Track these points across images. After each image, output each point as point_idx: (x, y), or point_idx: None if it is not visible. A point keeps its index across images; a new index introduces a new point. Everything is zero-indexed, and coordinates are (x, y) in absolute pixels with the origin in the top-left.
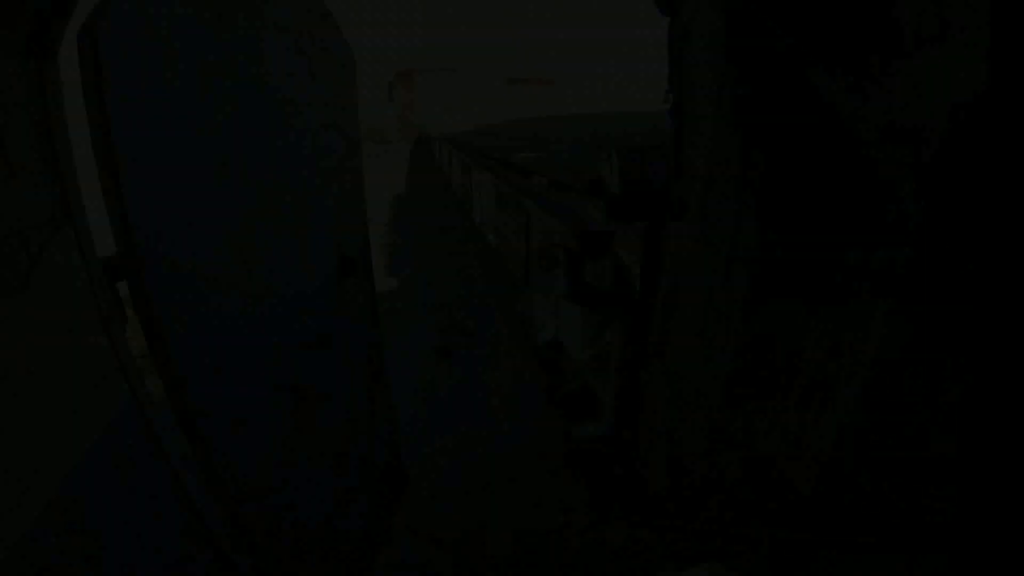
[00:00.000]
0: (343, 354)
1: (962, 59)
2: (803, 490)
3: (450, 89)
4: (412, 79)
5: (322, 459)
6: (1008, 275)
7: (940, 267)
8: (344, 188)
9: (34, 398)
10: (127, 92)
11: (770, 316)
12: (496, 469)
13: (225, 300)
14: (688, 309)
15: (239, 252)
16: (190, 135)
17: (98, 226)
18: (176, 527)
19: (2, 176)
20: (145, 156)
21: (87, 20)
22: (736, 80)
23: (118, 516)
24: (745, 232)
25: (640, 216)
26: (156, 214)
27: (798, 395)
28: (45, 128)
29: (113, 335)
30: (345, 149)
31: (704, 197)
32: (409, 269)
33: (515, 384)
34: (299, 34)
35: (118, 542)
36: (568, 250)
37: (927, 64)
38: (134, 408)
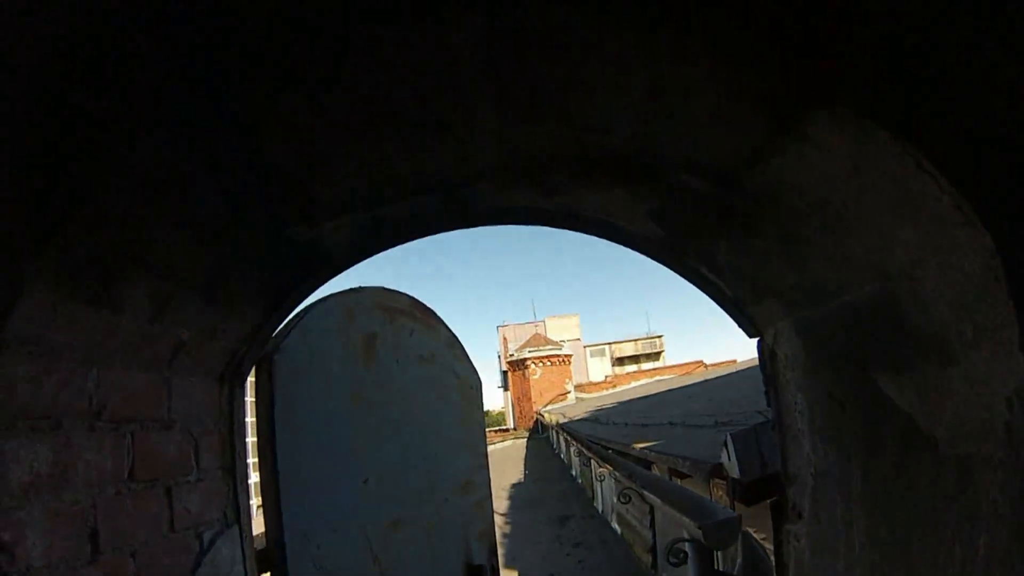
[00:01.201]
0: None
1: (1002, 355)
2: None
3: (563, 376)
4: (526, 367)
5: None
6: None
7: None
8: (473, 500)
9: None
10: (291, 412)
11: None
12: None
13: None
14: None
15: (374, 558)
16: (339, 451)
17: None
18: None
19: (194, 480)
20: (299, 466)
21: (266, 352)
22: (821, 397)
23: None
24: (857, 540)
25: (762, 495)
26: (304, 518)
27: None
28: (230, 442)
29: None
30: (474, 464)
31: (814, 505)
32: (529, 562)
33: None
34: (435, 363)
35: None
36: (695, 543)
37: (974, 366)
38: None
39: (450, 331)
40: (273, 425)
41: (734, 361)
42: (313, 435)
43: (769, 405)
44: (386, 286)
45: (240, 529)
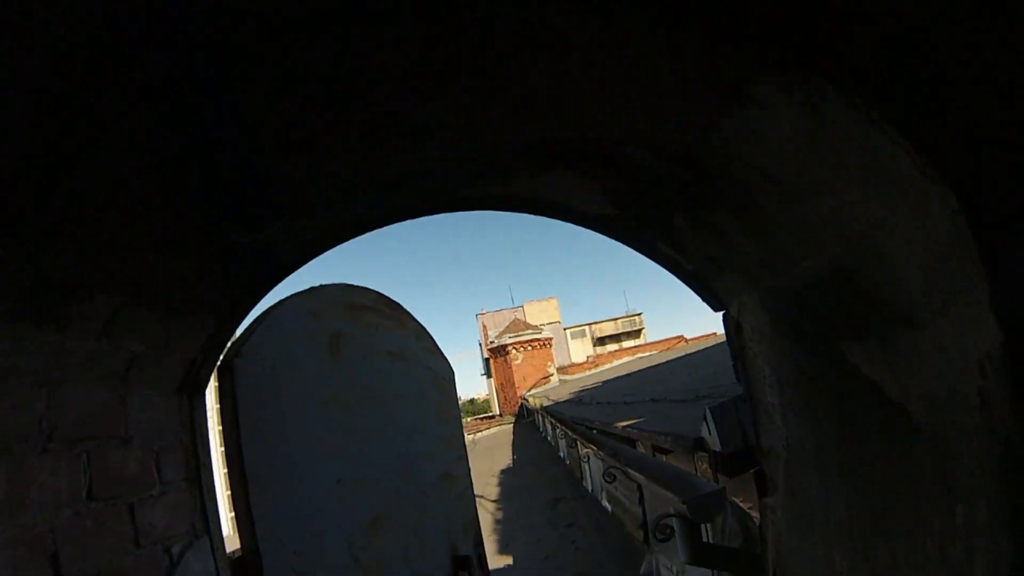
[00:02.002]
0: None
1: (973, 319)
2: None
3: (544, 359)
4: (507, 353)
5: None
6: None
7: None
8: (454, 491)
9: None
10: (257, 418)
11: None
12: None
13: None
14: None
15: (355, 559)
16: (311, 453)
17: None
18: None
19: (157, 493)
20: (270, 471)
21: (226, 357)
22: (789, 370)
23: None
24: (832, 511)
25: (745, 466)
26: (278, 524)
27: None
28: (193, 452)
29: None
30: (452, 456)
31: (789, 479)
32: (522, 545)
33: None
34: (406, 358)
35: None
36: (680, 518)
37: (943, 331)
38: None
39: (419, 324)
40: (239, 432)
41: (714, 334)
42: (282, 439)
43: (738, 379)
44: (355, 283)
45: (211, 540)
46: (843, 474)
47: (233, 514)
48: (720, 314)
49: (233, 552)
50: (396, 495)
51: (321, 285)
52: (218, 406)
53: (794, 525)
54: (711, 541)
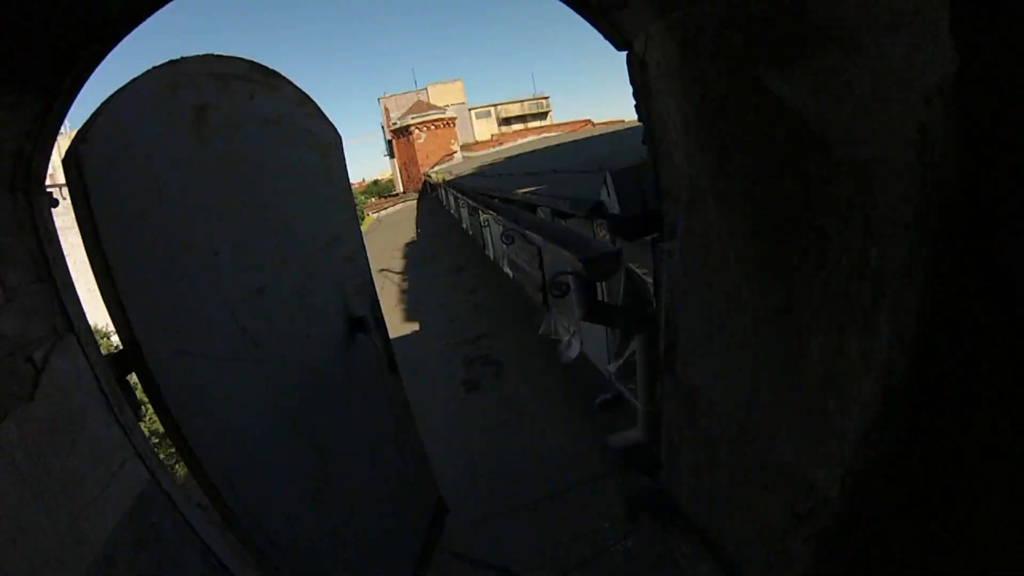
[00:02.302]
0: (364, 408)
1: (925, 43)
2: (829, 493)
3: (449, 136)
4: (410, 133)
5: (356, 509)
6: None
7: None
8: (344, 254)
9: (53, 494)
10: (116, 204)
11: (773, 327)
12: (532, 488)
13: (234, 376)
14: (691, 325)
15: (243, 330)
16: (181, 230)
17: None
18: None
19: (3, 301)
20: (139, 256)
21: (71, 146)
22: (698, 102)
23: None
24: (734, 249)
25: (642, 231)
26: (154, 308)
27: (811, 400)
28: (40, 251)
29: (126, 424)
30: (341, 219)
31: (689, 219)
32: (428, 311)
33: (545, 404)
34: (284, 124)
35: None
36: (577, 276)
37: (886, 55)
38: (157, 489)
39: (299, 90)
40: (95, 222)
41: (622, 120)
42: (148, 220)
43: (641, 120)
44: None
45: (78, 338)
46: (747, 211)
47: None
48: (626, 72)
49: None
50: (281, 262)
51: (181, 57)
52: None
53: (691, 266)
54: (605, 301)
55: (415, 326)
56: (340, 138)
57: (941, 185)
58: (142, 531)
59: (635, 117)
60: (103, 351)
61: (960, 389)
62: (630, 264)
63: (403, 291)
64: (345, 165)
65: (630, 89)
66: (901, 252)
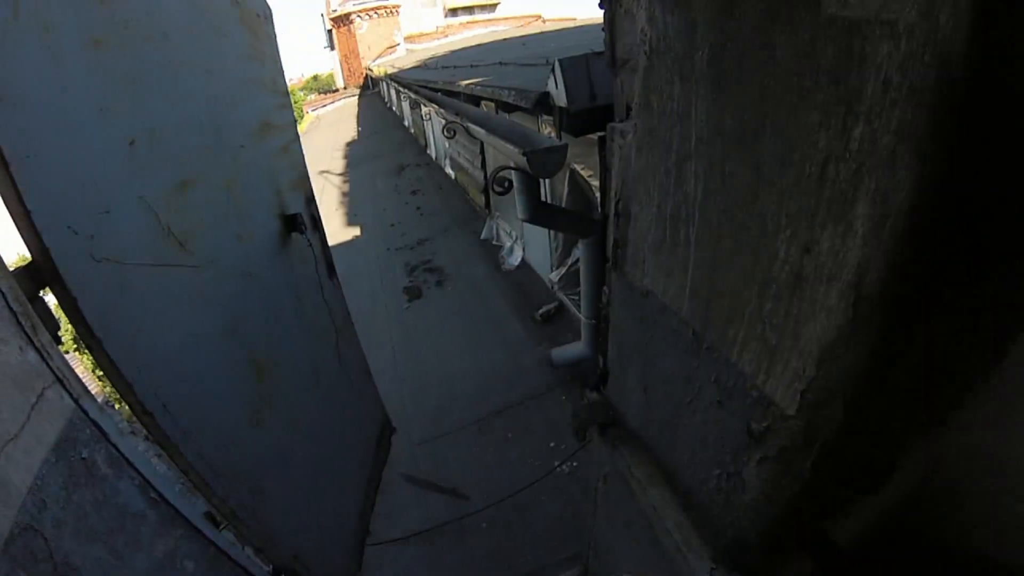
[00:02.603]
0: (303, 319)
1: None
2: (787, 410)
3: (391, 28)
4: (351, 23)
5: (300, 431)
6: None
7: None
8: (277, 144)
9: None
10: (10, 91)
11: (737, 220)
12: (477, 405)
13: (160, 284)
14: (643, 218)
15: (166, 230)
16: (86, 114)
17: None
18: (153, 528)
19: None
20: (38, 155)
21: None
22: None
23: (85, 529)
24: (696, 127)
25: (589, 127)
26: (62, 211)
27: (773, 306)
28: None
29: (43, 347)
30: (272, 104)
31: (646, 91)
32: (369, 214)
33: (488, 313)
34: None
35: (91, 558)
36: (520, 171)
37: None
38: (84, 419)
39: None
40: None
41: (574, 19)
42: (46, 108)
43: None
44: None
45: None
46: (713, 79)
47: None
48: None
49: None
50: (205, 151)
51: None
52: None
53: (644, 145)
54: (548, 202)
55: (356, 231)
56: (271, 11)
57: (945, 56)
58: (72, 468)
59: (588, 16)
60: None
61: (942, 300)
62: (575, 165)
63: (344, 193)
64: (276, 43)
65: None
66: (889, 133)
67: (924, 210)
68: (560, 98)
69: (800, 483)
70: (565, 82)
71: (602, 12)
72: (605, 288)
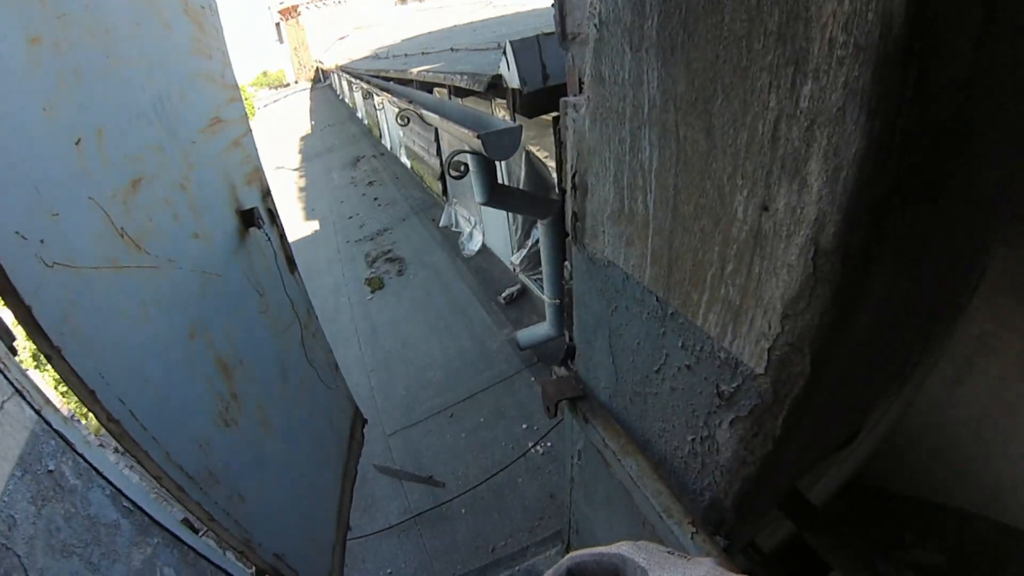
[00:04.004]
0: (266, 315)
1: None
2: (755, 369)
3: (340, 19)
4: (298, 15)
5: (271, 429)
6: None
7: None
8: (228, 138)
9: None
10: None
11: (694, 183)
12: (446, 392)
13: (117, 286)
14: (600, 188)
15: (119, 232)
16: (29, 113)
17: None
18: (128, 537)
19: None
20: None
21: None
22: None
23: (59, 543)
24: (647, 94)
25: (543, 108)
26: (7, 212)
27: (735, 266)
28: None
29: None
30: (222, 98)
31: (597, 63)
32: (327, 208)
33: (451, 299)
34: None
35: (68, 573)
36: (476, 155)
37: None
38: (47, 431)
39: None
40: None
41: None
42: None
43: None
44: None
45: None
46: (663, 46)
47: None
48: None
49: None
50: (155, 149)
51: None
52: None
53: (598, 117)
54: (506, 184)
55: (315, 225)
56: (215, 2)
57: (887, 15)
58: (39, 481)
59: (538, 5)
60: None
61: (892, 250)
62: (530, 147)
63: (300, 188)
64: (223, 36)
65: None
66: (837, 90)
67: (874, 161)
68: (513, 80)
69: (772, 440)
70: (517, 63)
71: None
72: (567, 263)
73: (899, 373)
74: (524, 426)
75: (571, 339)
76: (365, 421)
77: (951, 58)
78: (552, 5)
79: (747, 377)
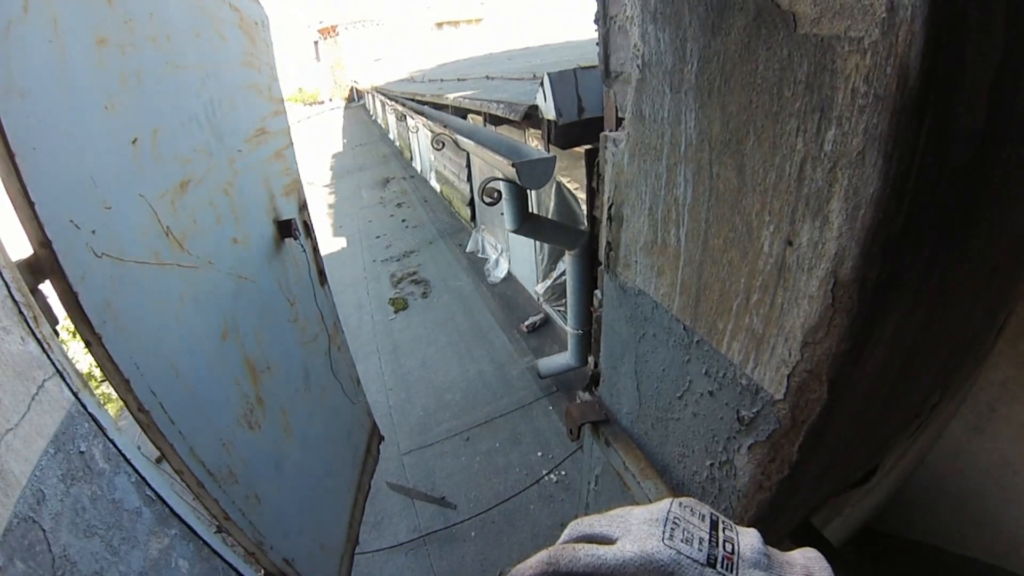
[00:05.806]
0: (295, 323)
1: None
2: (775, 395)
3: (377, 40)
4: (336, 34)
5: (292, 435)
6: None
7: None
8: (272, 149)
9: None
10: (14, 75)
11: (723, 218)
12: (464, 415)
13: (159, 282)
14: (635, 220)
15: (165, 230)
16: (93, 111)
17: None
18: (148, 525)
19: None
20: (47, 149)
21: None
22: None
23: (83, 523)
24: (685, 133)
25: (577, 139)
26: (65, 203)
27: (759, 296)
28: None
29: (43, 339)
30: (268, 111)
31: (638, 101)
32: (355, 226)
33: (474, 324)
34: None
35: (88, 553)
36: (509, 182)
37: None
38: (82, 412)
39: None
40: None
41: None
42: (52, 102)
43: None
44: None
45: None
46: (701, 90)
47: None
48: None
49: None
50: (204, 153)
51: None
52: None
53: (636, 152)
54: (536, 212)
55: (342, 242)
56: (268, 19)
57: (904, 68)
58: (71, 461)
59: (571, 38)
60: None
61: (915, 284)
62: (561, 177)
63: (329, 205)
64: (272, 50)
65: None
66: (857, 136)
67: (890, 201)
68: (548, 111)
69: (788, 466)
70: (554, 95)
71: (596, 28)
72: (597, 291)
73: (916, 412)
74: (539, 454)
75: (596, 365)
76: (382, 438)
77: (967, 108)
78: (596, 44)
79: (767, 403)
